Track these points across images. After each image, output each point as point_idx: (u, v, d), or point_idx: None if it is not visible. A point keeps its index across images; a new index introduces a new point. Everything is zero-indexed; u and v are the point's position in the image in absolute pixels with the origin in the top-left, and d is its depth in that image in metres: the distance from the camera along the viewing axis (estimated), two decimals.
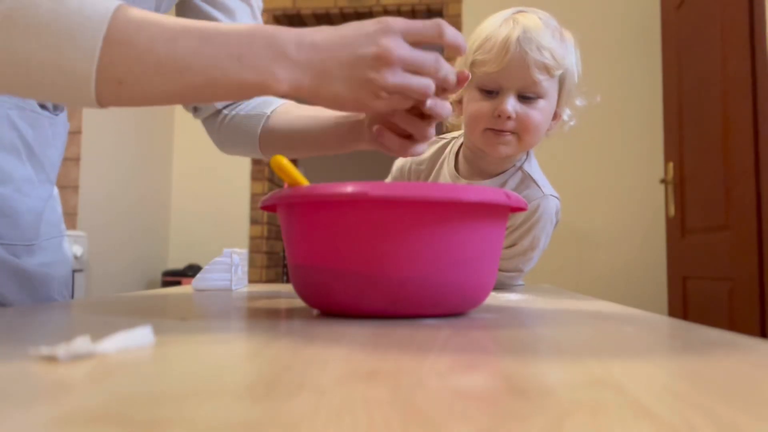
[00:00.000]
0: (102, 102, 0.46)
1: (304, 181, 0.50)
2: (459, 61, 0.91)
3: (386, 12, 2.84)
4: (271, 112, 0.80)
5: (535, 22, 0.85)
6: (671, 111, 2.18)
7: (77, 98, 0.46)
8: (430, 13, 3.05)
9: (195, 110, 0.84)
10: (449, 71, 0.54)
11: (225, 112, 0.82)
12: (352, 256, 0.45)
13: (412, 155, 0.63)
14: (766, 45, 1.55)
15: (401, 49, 0.50)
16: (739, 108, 1.67)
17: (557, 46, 0.85)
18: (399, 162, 1.06)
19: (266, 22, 2.99)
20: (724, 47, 1.76)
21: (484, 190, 0.48)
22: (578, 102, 0.93)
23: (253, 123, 0.80)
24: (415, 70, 0.51)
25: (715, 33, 1.82)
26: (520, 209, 0.51)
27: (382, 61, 0.49)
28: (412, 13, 2.85)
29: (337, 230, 0.46)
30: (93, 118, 2.58)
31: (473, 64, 0.87)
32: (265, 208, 0.53)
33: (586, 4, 2.81)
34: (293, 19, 3.01)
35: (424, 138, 0.60)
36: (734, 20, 1.70)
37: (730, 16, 1.73)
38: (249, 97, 0.51)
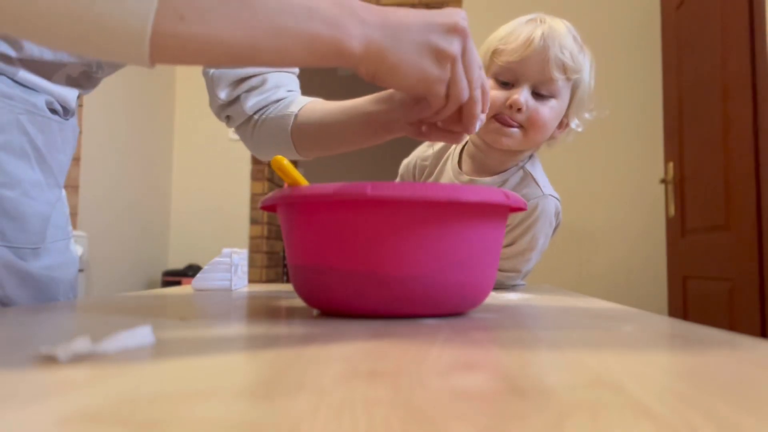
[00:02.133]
0: (155, 46, 0.39)
1: (304, 182, 0.50)
2: (481, 49, 0.92)
3: None
4: (299, 110, 0.81)
5: (560, 25, 0.89)
6: (671, 111, 2.18)
7: (127, 42, 0.38)
8: None
9: (228, 119, 0.85)
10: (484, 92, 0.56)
11: (255, 117, 0.83)
12: (352, 256, 0.45)
13: (459, 143, 0.64)
14: (766, 45, 1.55)
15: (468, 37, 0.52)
16: (739, 108, 1.67)
17: (577, 51, 0.88)
18: (406, 159, 1.08)
19: None
20: (724, 47, 1.76)
21: (483, 190, 0.48)
22: (587, 115, 0.95)
23: (283, 123, 0.81)
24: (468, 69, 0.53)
25: (715, 33, 1.82)
26: (520, 209, 0.51)
27: (454, 29, 0.50)
28: None
29: (336, 230, 0.46)
30: (93, 118, 2.58)
31: (494, 53, 0.90)
32: (265, 208, 0.53)
33: (586, 4, 2.82)
34: None
35: (469, 130, 0.60)
36: (734, 20, 1.70)
37: (730, 16, 1.73)
38: (316, 60, 0.46)
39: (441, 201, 0.44)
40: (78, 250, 2.44)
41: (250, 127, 0.84)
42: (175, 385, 0.24)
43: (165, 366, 0.28)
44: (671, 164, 2.14)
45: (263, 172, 3.30)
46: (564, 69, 0.86)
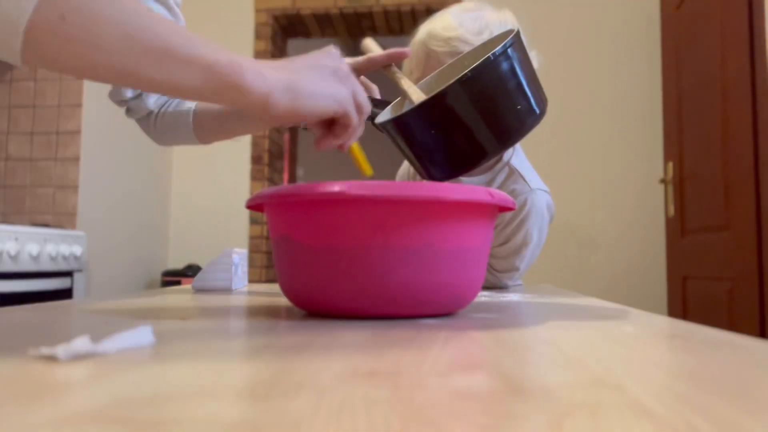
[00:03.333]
0: (31, 41, 0.37)
1: (369, 171, 0.52)
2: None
3: (386, 12, 2.83)
4: (196, 105, 0.86)
5: (441, 16, 0.90)
6: (671, 111, 2.18)
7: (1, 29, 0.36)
8: (430, 13, 3.04)
9: (128, 111, 0.89)
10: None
11: (155, 110, 0.88)
12: (342, 256, 0.45)
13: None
14: (766, 45, 1.55)
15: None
16: (739, 108, 1.67)
17: (460, 24, 0.87)
18: (401, 170, 1.11)
19: (265, 22, 2.98)
20: (723, 47, 1.76)
21: (468, 189, 0.48)
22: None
23: (184, 118, 0.86)
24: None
25: (714, 33, 1.82)
26: (508, 209, 0.51)
27: (340, 70, 0.52)
28: (412, 13, 2.85)
29: (324, 230, 0.46)
30: (93, 118, 2.58)
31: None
32: (251, 207, 0.53)
33: (586, 5, 2.82)
34: (293, 19, 3.00)
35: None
36: (734, 20, 1.70)
37: (730, 16, 1.73)
38: (211, 90, 0.44)
39: (428, 200, 0.44)
40: (78, 250, 2.44)
41: (152, 120, 0.89)
42: (175, 385, 0.24)
43: (165, 366, 0.28)
44: (671, 164, 2.14)
45: (263, 172, 3.30)
46: (451, 50, 0.86)
